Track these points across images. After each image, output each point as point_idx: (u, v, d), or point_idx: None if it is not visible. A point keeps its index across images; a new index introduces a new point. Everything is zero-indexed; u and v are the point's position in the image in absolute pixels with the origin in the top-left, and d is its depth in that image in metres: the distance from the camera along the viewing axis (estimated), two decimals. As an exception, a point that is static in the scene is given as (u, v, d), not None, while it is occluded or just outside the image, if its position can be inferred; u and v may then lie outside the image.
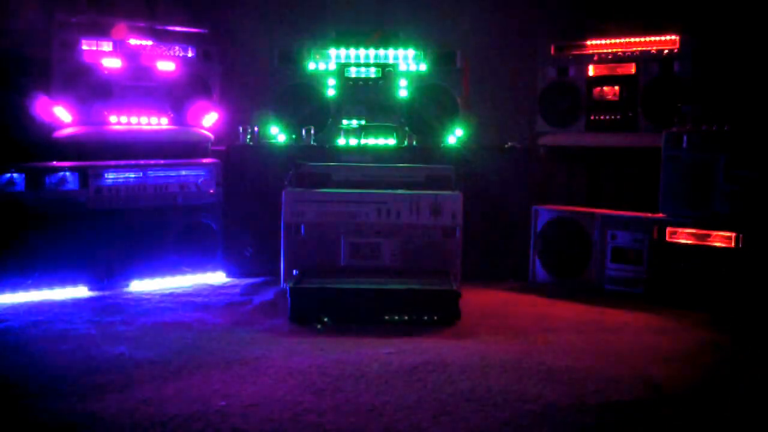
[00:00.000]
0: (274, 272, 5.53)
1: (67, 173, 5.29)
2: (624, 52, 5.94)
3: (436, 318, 4.54)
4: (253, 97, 6.61)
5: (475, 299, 5.17)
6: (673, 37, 5.74)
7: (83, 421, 3.10)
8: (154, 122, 5.96)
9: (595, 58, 6.05)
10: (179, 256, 5.67)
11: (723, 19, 5.96)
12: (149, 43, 5.90)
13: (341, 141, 6.17)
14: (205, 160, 5.87)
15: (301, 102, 6.27)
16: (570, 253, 5.57)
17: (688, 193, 5.12)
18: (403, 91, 6.30)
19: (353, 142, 6.17)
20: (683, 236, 5.09)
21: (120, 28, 5.79)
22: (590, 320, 4.77)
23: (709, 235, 4.97)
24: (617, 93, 5.98)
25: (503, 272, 5.89)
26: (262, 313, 4.83)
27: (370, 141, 6.17)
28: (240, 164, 5.93)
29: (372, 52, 6.31)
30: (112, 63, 5.76)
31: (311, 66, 6.29)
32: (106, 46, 5.74)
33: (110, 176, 5.43)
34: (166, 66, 5.95)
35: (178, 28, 6.07)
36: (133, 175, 5.52)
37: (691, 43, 5.69)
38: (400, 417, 3.16)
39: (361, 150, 6.08)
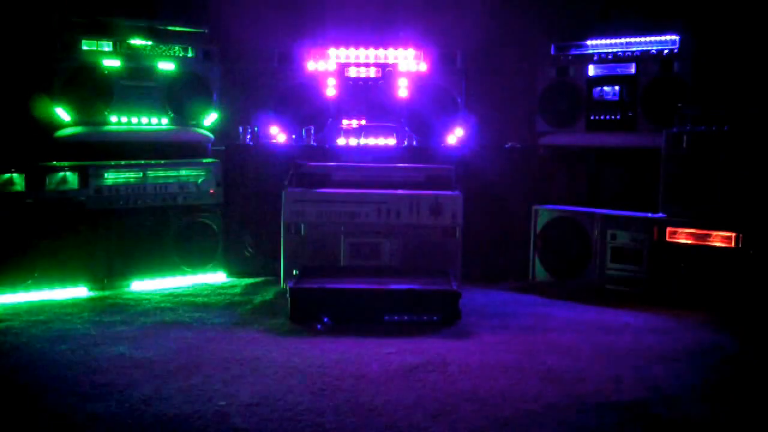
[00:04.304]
0: (274, 272, 5.54)
1: (67, 173, 5.29)
2: (624, 52, 5.94)
3: (436, 318, 4.54)
4: (253, 97, 6.60)
5: (475, 299, 5.18)
6: (673, 37, 5.74)
7: (83, 421, 3.10)
8: (154, 122, 5.96)
9: (595, 58, 6.06)
10: (179, 256, 5.67)
11: (723, 19, 5.96)
12: (149, 43, 5.90)
13: (341, 141, 6.17)
14: (205, 160, 5.87)
15: (301, 102, 6.28)
16: (570, 253, 5.56)
17: (688, 193, 5.12)
18: (403, 91, 6.30)
19: (353, 142, 6.17)
20: (683, 236, 5.08)
21: (120, 28, 5.79)
22: (590, 320, 4.77)
23: (709, 235, 4.97)
24: (617, 93, 5.98)
25: (503, 272, 5.89)
26: (262, 313, 4.83)
27: (370, 141, 6.17)
28: (240, 164, 5.93)
29: (372, 52, 6.32)
30: (112, 63, 5.77)
31: (311, 66, 6.29)
32: (106, 46, 5.75)
33: (110, 176, 5.43)
34: (166, 66, 5.95)
35: (178, 28, 6.07)
36: (133, 175, 5.52)
37: (691, 43, 5.69)
38: (400, 417, 3.16)
39: (361, 150, 6.09)
